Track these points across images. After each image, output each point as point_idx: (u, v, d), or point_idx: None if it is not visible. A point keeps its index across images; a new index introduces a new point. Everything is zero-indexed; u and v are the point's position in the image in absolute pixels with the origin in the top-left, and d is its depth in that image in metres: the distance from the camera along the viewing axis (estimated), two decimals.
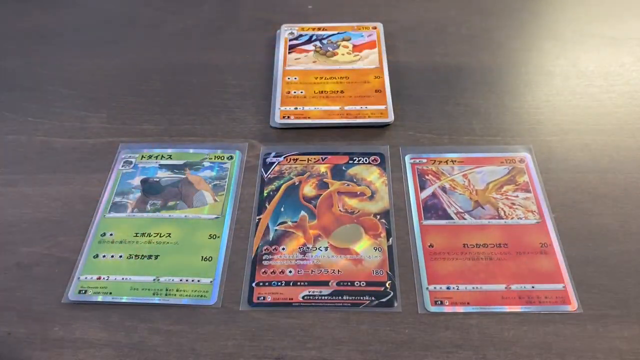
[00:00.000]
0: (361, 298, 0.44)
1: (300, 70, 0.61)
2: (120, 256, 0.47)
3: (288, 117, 0.56)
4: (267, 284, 0.45)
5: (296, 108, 0.57)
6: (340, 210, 0.50)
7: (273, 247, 0.47)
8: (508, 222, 0.48)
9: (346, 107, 0.57)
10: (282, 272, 0.46)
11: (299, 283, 0.45)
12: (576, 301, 0.43)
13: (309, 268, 0.46)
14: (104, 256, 0.47)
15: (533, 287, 0.44)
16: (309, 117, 0.56)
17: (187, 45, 0.67)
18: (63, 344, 0.42)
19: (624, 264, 0.46)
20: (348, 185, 0.51)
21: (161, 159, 0.54)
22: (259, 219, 0.49)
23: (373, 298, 0.44)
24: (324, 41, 0.65)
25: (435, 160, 0.53)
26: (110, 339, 0.42)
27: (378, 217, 0.49)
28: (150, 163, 0.54)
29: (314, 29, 0.66)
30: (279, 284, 0.45)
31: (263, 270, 0.46)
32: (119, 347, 0.42)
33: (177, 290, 0.45)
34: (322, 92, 0.59)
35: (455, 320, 0.43)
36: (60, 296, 0.45)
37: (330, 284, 0.45)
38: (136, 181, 0.52)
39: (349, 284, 0.45)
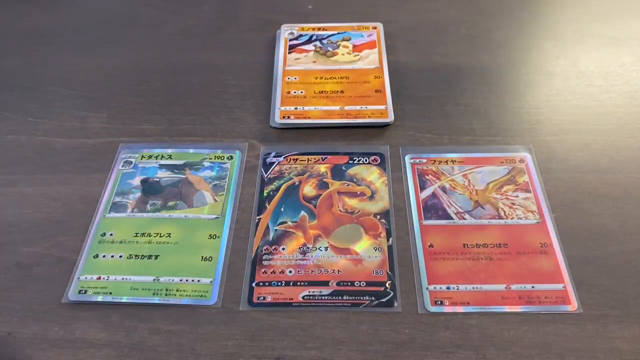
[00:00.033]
0: (361, 298, 0.44)
1: (300, 70, 0.61)
2: (120, 256, 0.47)
3: (288, 117, 0.56)
4: (267, 284, 0.45)
5: (296, 108, 0.57)
6: (340, 210, 0.50)
7: (273, 247, 0.47)
8: (508, 222, 0.48)
9: (346, 107, 0.57)
10: (282, 272, 0.46)
11: (299, 283, 0.45)
12: (576, 301, 0.43)
13: (309, 268, 0.46)
14: (104, 256, 0.47)
15: (533, 287, 0.44)
16: (309, 117, 0.56)
17: (187, 45, 0.67)
18: (63, 344, 0.42)
19: (624, 264, 0.46)
20: (348, 185, 0.51)
21: (161, 159, 0.54)
22: (259, 219, 0.49)
23: (373, 298, 0.44)
24: (324, 41, 0.65)
25: (435, 160, 0.53)
26: (110, 339, 0.42)
27: (378, 217, 0.49)
28: (150, 163, 0.54)
29: (314, 29, 0.66)
30: (279, 284, 0.45)
31: (263, 270, 0.46)
32: (119, 347, 0.42)
33: (177, 290, 0.45)
34: (322, 92, 0.59)
35: (455, 320, 0.43)
36: (60, 296, 0.45)
37: (330, 284, 0.45)
38: (136, 181, 0.52)
39: (349, 284, 0.45)
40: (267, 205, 0.50)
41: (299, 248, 0.47)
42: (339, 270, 0.46)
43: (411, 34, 0.67)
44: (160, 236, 0.48)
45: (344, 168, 0.53)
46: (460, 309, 0.43)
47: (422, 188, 0.51)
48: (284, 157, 0.54)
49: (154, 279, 0.46)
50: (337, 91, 0.59)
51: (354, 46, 0.64)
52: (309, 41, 0.65)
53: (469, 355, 0.41)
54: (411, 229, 0.48)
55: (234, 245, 0.48)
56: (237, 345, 0.42)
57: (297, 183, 0.52)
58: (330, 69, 0.61)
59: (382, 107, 0.57)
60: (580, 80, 0.60)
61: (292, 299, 0.44)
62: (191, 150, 0.55)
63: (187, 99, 0.60)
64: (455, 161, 0.53)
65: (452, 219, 0.49)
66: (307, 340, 0.42)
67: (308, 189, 0.51)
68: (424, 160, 0.53)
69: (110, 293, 0.45)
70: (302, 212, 0.50)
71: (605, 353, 0.41)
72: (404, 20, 0.69)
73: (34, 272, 0.46)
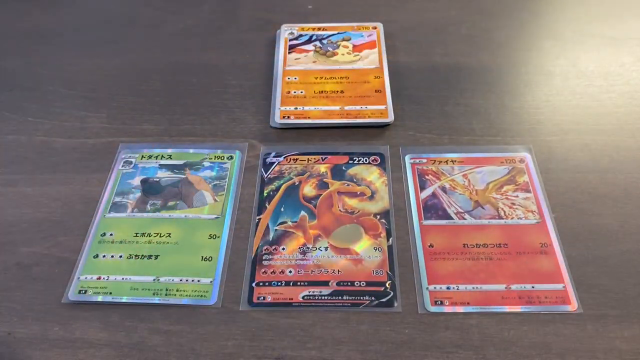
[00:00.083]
0: (361, 298, 0.44)
1: (300, 70, 0.61)
2: (120, 256, 0.47)
3: (288, 117, 0.56)
4: (267, 284, 0.45)
5: (296, 108, 0.57)
6: (340, 210, 0.50)
7: (273, 247, 0.47)
8: (508, 222, 0.48)
9: (346, 107, 0.57)
10: (282, 272, 0.46)
11: (299, 283, 0.45)
12: (576, 301, 0.43)
13: (309, 268, 0.46)
14: (104, 256, 0.47)
15: (533, 287, 0.44)
16: (309, 117, 0.56)
17: (187, 45, 0.67)
18: (63, 344, 0.42)
19: (624, 264, 0.46)
20: (348, 185, 0.51)
21: (161, 159, 0.54)
22: (259, 219, 0.49)
23: (373, 298, 0.44)
24: (324, 41, 0.65)
25: (435, 160, 0.53)
26: (110, 339, 0.42)
27: (378, 217, 0.49)
28: (150, 163, 0.54)
29: (314, 29, 0.66)
30: (279, 284, 0.45)
31: (263, 270, 0.46)
32: (119, 347, 0.42)
33: (177, 290, 0.45)
34: (322, 92, 0.59)
35: (455, 320, 0.43)
36: (60, 296, 0.45)
37: (330, 284, 0.45)
38: (136, 181, 0.52)
39: (349, 284, 0.45)
40: (267, 205, 0.50)
41: (299, 248, 0.47)
42: (339, 270, 0.46)
43: (411, 34, 0.67)
44: (160, 236, 0.48)
45: (344, 168, 0.53)
46: (460, 309, 0.43)
47: (422, 188, 0.51)
48: (284, 157, 0.54)
49: (154, 279, 0.46)
50: (337, 91, 0.59)
51: (354, 46, 0.64)
52: (309, 41, 0.65)
53: (469, 355, 0.41)
54: (411, 229, 0.48)
55: (234, 245, 0.48)
56: (237, 345, 0.42)
57: (297, 183, 0.52)
58: (330, 69, 0.61)
59: (382, 107, 0.57)
60: (580, 80, 0.60)
61: (292, 299, 0.44)
62: (191, 150, 0.55)
63: (187, 99, 0.60)
64: (455, 161, 0.53)
65: (452, 219, 0.49)
66: (307, 340, 0.42)
67: (308, 189, 0.51)
68: (424, 160, 0.53)
69: (110, 293, 0.45)
70: (302, 212, 0.50)
71: (605, 353, 0.41)
72: (404, 20, 0.69)
73: (34, 272, 0.46)
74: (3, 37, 0.68)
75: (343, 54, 0.63)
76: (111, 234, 0.49)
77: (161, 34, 0.68)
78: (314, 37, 0.65)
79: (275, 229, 0.49)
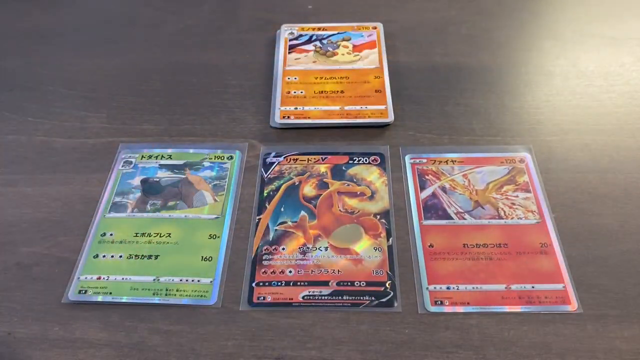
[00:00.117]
0: (361, 298, 0.44)
1: (300, 70, 0.61)
2: (120, 256, 0.47)
3: (288, 117, 0.56)
4: (267, 284, 0.45)
5: (296, 108, 0.57)
6: (340, 210, 0.50)
7: (273, 247, 0.47)
8: (508, 222, 0.48)
9: (346, 107, 0.57)
10: (282, 272, 0.46)
11: (299, 283, 0.45)
12: (576, 301, 0.43)
13: (309, 268, 0.46)
14: (104, 256, 0.47)
15: (533, 287, 0.44)
16: (309, 117, 0.56)
17: (187, 45, 0.67)
18: (63, 344, 0.42)
19: (624, 264, 0.46)
20: (348, 185, 0.51)
21: (161, 159, 0.54)
22: (259, 219, 0.49)
23: (373, 298, 0.44)
24: (324, 41, 0.65)
25: (435, 160, 0.53)
26: (110, 339, 0.42)
27: (378, 217, 0.49)
28: (150, 163, 0.54)
29: (314, 29, 0.66)
30: (279, 284, 0.45)
31: (263, 270, 0.46)
32: (119, 347, 0.42)
33: (177, 290, 0.45)
34: (322, 92, 0.59)
35: (455, 320, 0.43)
36: (60, 296, 0.45)
37: (330, 284, 0.45)
38: (136, 181, 0.52)
39: (349, 284, 0.45)
40: (267, 205, 0.50)
41: (299, 248, 0.47)
42: (339, 270, 0.46)
43: (411, 34, 0.67)
44: (160, 236, 0.48)
45: (344, 168, 0.53)
46: (460, 309, 0.43)
47: (422, 188, 0.51)
48: (284, 157, 0.54)
49: (154, 279, 0.46)
50: (337, 91, 0.59)
51: (354, 46, 0.64)
52: (309, 41, 0.65)
53: (469, 355, 0.41)
54: (411, 229, 0.48)
55: (234, 245, 0.48)
56: (237, 345, 0.42)
57: (297, 183, 0.52)
58: (330, 69, 0.61)
59: (382, 107, 0.57)
60: (580, 80, 0.60)
61: (292, 299, 0.44)
62: (191, 150, 0.55)
63: (187, 99, 0.60)
64: (455, 161, 0.53)
65: (452, 219, 0.49)
66: (307, 340, 0.42)
67: (308, 189, 0.51)
68: (424, 160, 0.53)
69: (110, 293, 0.45)
70: (302, 212, 0.50)
71: (605, 353, 0.41)
72: (404, 20, 0.69)
73: (34, 272, 0.46)
74: (3, 37, 0.68)
75: (343, 54, 0.63)
76: (111, 234, 0.49)
77: (161, 34, 0.68)
78: (314, 37, 0.65)
79: (275, 229, 0.49)
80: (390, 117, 0.56)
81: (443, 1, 0.71)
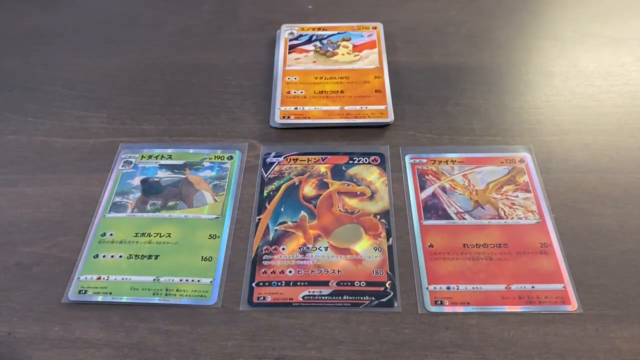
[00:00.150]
0: (361, 298, 0.44)
1: (300, 70, 0.61)
2: (120, 256, 0.47)
3: (288, 117, 0.56)
4: (267, 284, 0.45)
5: (296, 108, 0.57)
6: (340, 210, 0.50)
7: (273, 247, 0.47)
8: (508, 222, 0.48)
9: (346, 107, 0.57)
10: (282, 272, 0.46)
11: (299, 283, 0.45)
12: (576, 301, 0.43)
13: (309, 268, 0.46)
14: (104, 256, 0.47)
15: (533, 287, 0.44)
16: (309, 117, 0.56)
17: (187, 45, 0.67)
18: (63, 344, 0.42)
19: (624, 264, 0.46)
20: (348, 185, 0.51)
21: (161, 159, 0.54)
22: (259, 219, 0.49)
23: (373, 298, 0.44)
24: (324, 41, 0.65)
25: (435, 160, 0.53)
26: (110, 339, 0.42)
27: (378, 217, 0.49)
28: (150, 163, 0.54)
29: (314, 29, 0.66)
30: (279, 284, 0.45)
31: (263, 270, 0.46)
32: (119, 347, 0.42)
33: (177, 290, 0.45)
34: (322, 92, 0.59)
35: (455, 320, 0.43)
36: (60, 296, 0.45)
37: (330, 284, 0.45)
38: (136, 181, 0.52)
39: (349, 284, 0.45)
40: (267, 205, 0.50)
41: (299, 248, 0.47)
42: (339, 270, 0.46)
43: (411, 34, 0.67)
44: (160, 236, 0.48)
45: (344, 168, 0.53)
46: (460, 309, 0.43)
47: (422, 188, 0.51)
48: (284, 157, 0.54)
49: (154, 279, 0.46)
50: (337, 91, 0.59)
51: (354, 46, 0.64)
52: (309, 41, 0.65)
53: (469, 355, 0.41)
54: (411, 229, 0.48)
55: (234, 245, 0.48)
56: (237, 345, 0.42)
57: (297, 183, 0.52)
58: (330, 69, 0.61)
59: (382, 107, 0.57)
60: (580, 80, 0.60)
61: (292, 299, 0.44)
62: (191, 150, 0.55)
63: (187, 99, 0.60)
64: (455, 161, 0.53)
65: (452, 219, 0.49)
66: (307, 340, 0.42)
67: (308, 189, 0.51)
68: (424, 160, 0.53)
69: (110, 293, 0.45)
70: (302, 212, 0.50)
71: (605, 353, 0.41)
72: (404, 20, 0.69)
73: (34, 272, 0.46)
74: (3, 37, 0.68)
75: (343, 54, 0.63)
76: (111, 234, 0.49)
77: (161, 34, 0.68)
78: (314, 37, 0.65)
79: (275, 229, 0.49)
80: (390, 117, 0.56)
81: (443, 1, 0.71)
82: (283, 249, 0.47)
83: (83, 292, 0.45)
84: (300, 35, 0.65)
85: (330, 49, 0.64)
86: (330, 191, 0.51)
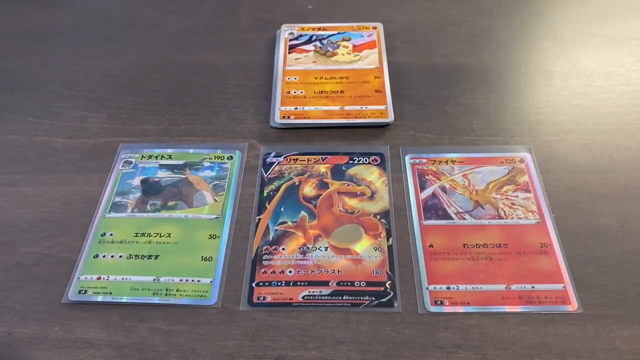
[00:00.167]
0: (361, 298, 0.44)
1: (300, 70, 0.61)
2: (120, 256, 0.47)
3: (288, 117, 0.56)
4: (267, 284, 0.45)
5: (296, 108, 0.57)
6: (340, 210, 0.50)
7: (273, 247, 0.47)
8: (508, 222, 0.48)
9: (346, 107, 0.57)
10: (282, 272, 0.46)
11: (299, 283, 0.45)
12: (576, 301, 0.43)
13: (309, 268, 0.46)
14: (104, 256, 0.47)
15: (533, 287, 0.44)
16: (309, 117, 0.56)
17: (187, 45, 0.67)
18: (63, 344, 0.42)
19: (624, 264, 0.46)
20: (348, 185, 0.51)
21: (161, 159, 0.54)
22: (259, 219, 0.49)
23: (373, 298, 0.44)
24: (324, 41, 0.65)
25: (435, 160, 0.53)
26: (110, 339, 0.42)
27: (378, 217, 0.49)
28: (150, 163, 0.54)
29: (314, 29, 0.66)
30: (279, 284, 0.45)
31: (263, 270, 0.46)
32: (119, 347, 0.42)
33: (177, 290, 0.45)
34: (322, 92, 0.59)
35: (455, 320, 0.43)
36: (60, 296, 0.45)
37: (330, 284, 0.45)
38: (136, 181, 0.52)
39: (349, 284, 0.45)
40: (267, 205, 0.50)
41: (299, 248, 0.47)
42: (339, 270, 0.46)
43: (411, 34, 0.67)
44: (160, 236, 0.48)
45: (344, 168, 0.53)
46: (460, 309, 0.43)
47: (422, 188, 0.51)
48: (284, 157, 0.54)
49: (154, 279, 0.46)
50: (337, 91, 0.59)
51: (354, 46, 0.64)
52: (309, 41, 0.65)
53: (469, 355, 0.41)
54: (411, 229, 0.48)
55: (234, 245, 0.48)
56: (237, 345, 0.42)
57: (297, 183, 0.52)
58: (330, 69, 0.61)
59: (382, 107, 0.57)
60: (580, 80, 0.60)
61: (292, 299, 0.44)
62: (191, 150, 0.55)
63: (187, 99, 0.60)
64: (455, 161, 0.53)
65: (452, 219, 0.49)
66: (307, 340, 0.42)
67: (308, 189, 0.51)
68: (424, 160, 0.53)
69: (110, 293, 0.45)
70: (302, 212, 0.50)
71: (605, 353, 0.41)
72: (404, 20, 0.69)
73: (34, 272, 0.46)
74: (3, 37, 0.69)
75: (343, 54, 0.63)
76: (111, 234, 0.49)
77: (161, 34, 0.68)
78: (314, 37, 0.65)
79: (275, 229, 0.49)
80: (390, 117, 0.56)
81: (443, 1, 0.71)
82: (283, 249, 0.47)
83: (83, 292, 0.45)
84: (300, 35, 0.65)
85: (330, 49, 0.64)
86: (330, 191, 0.51)
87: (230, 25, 0.69)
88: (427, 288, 0.44)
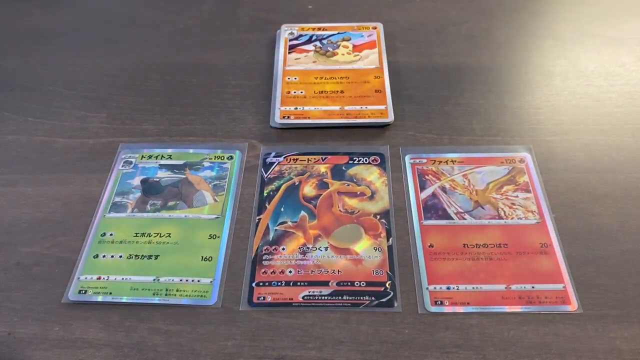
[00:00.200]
0: (361, 298, 0.44)
1: (300, 70, 0.61)
2: (120, 256, 0.47)
3: (288, 117, 0.56)
4: (267, 284, 0.45)
5: (296, 108, 0.57)
6: (340, 210, 0.50)
7: (273, 247, 0.47)
8: (508, 222, 0.48)
9: (346, 107, 0.57)
10: (282, 272, 0.46)
11: (299, 283, 0.45)
12: (576, 301, 0.43)
13: (309, 268, 0.46)
14: (104, 256, 0.47)
15: (533, 287, 0.44)
16: (309, 117, 0.56)
17: (187, 45, 0.67)
18: (63, 344, 0.42)
19: (624, 264, 0.46)
20: (348, 185, 0.51)
21: (161, 159, 0.54)
22: (259, 219, 0.49)
23: (373, 298, 0.44)
24: (324, 41, 0.65)
25: (435, 160, 0.53)
26: (110, 339, 0.42)
27: (378, 217, 0.49)
28: (150, 163, 0.54)
29: (314, 29, 0.66)
30: (279, 284, 0.45)
31: (263, 270, 0.46)
32: (119, 347, 0.42)
33: (177, 290, 0.45)
34: (322, 92, 0.59)
35: (455, 320, 0.43)
36: (60, 296, 0.45)
37: (330, 284, 0.45)
38: (136, 181, 0.52)
39: (349, 284, 0.45)
40: (267, 205, 0.50)
41: (299, 248, 0.47)
42: (339, 270, 0.46)
43: (411, 34, 0.67)
44: (160, 236, 0.48)
45: (344, 168, 0.53)
46: (460, 309, 0.43)
47: (422, 188, 0.51)
48: (284, 157, 0.54)
49: (154, 279, 0.46)
50: (337, 91, 0.59)
51: (354, 46, 0.64)
52: (309, 41, 0.65)
53: (469, 355, 0.41)
54: (411, 229, 0.48)
55: (234, 245, 0.48)
56: (237, 345, 0.42)
57: (297, 183, 0.52)
58: (330, 69, 0.61)
59: (382, 107, 0.57)
60: (580, 80, 0.60)
61: (292, 299, 0.44)
62: (191, 150, 0.55)
63: (187, 99, 0.60)
64: (455, 161, 0.53)
65: (452, 219, 0.49)
66: (307, 340, 0.42)
67: (308, 189, 0.51)
68: (424, 160, 0.53)
69: (110, 293, 0.45)
70: (302, 212, 0.50)
71: (605, 353, 0.41)
72: (404, 20, 0.69)
73: (34, 272, 0.46)
74: (3, 37, 0.69)
75: (343, 54, 0.63)
76: (111, 234, 0.49)
77: (161, 34, 0.68)
78: (314, 37, 0.65)
79: (275, 229, 0.49)
80: (390, 117, 0.56)
81: (443, 1, 0.71)
82: (283, 249, 0.47)
83: (83, 292, 0.45)
84: (300, 35, 0.65)
85: (330, 49, 0.64)
86: (330, 191, 0.51)
87: (230, 25, 0.69)
88: (427, 288, 0.44)
